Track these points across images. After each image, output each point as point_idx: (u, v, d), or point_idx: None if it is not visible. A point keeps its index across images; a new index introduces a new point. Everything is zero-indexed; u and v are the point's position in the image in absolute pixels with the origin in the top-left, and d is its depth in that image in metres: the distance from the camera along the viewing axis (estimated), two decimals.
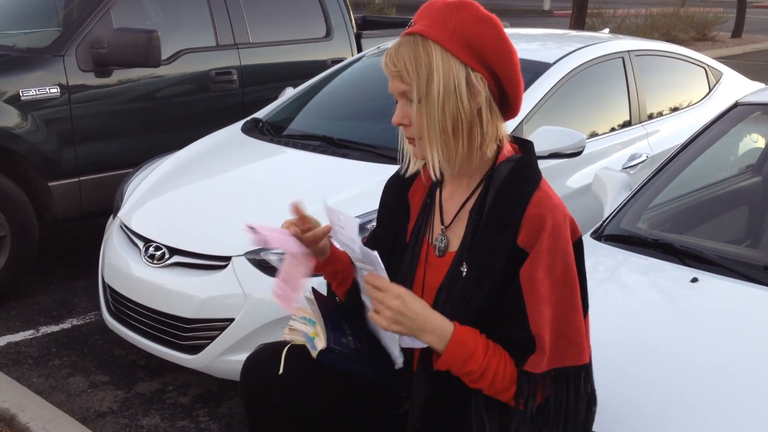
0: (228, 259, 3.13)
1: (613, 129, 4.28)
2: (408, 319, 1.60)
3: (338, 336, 1.84)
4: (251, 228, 1.76)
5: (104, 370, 3.57)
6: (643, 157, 4.18)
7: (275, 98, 4.66)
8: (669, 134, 4.43)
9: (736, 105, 3.19)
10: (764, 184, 3.35)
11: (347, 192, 3.35)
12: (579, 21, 13.52)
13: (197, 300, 3.11)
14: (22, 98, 4.15)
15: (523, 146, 1.78)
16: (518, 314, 1.64)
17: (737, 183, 3.40)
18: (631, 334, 2.22)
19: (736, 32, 17.84)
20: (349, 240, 1.74)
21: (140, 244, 3.38)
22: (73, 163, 4.35)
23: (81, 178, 4.39)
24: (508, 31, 4.52)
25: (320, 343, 1.81)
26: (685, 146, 3.12)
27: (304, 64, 5.40)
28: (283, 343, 1.92)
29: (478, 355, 1.63)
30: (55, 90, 4.26)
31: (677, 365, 2.05)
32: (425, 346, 1.67)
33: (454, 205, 1.80)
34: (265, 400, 1.91)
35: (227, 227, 3.25)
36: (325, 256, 1.92)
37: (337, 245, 1.89)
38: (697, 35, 16.84)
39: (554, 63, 4.08)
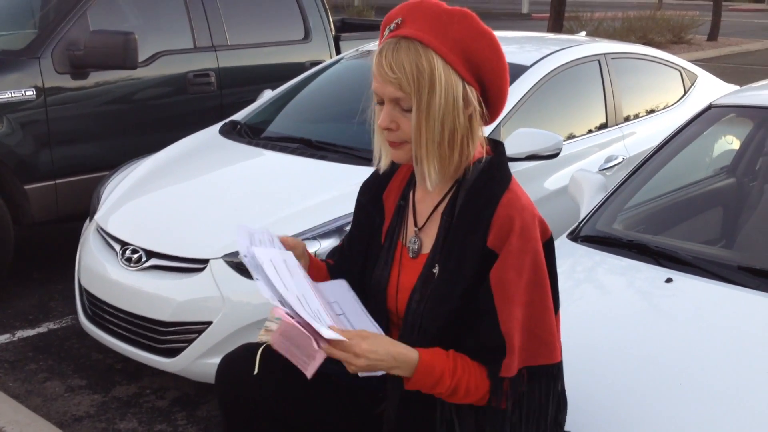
0: (206, 261, 3.11)
1: (589, 131, 4.31)
2: (379, 362, 1.60)
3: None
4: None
5: (81, 374, 3.55)
6: (620, 159, 4.22)
7: (253, 100, 4.65)
8: (645, 136, 4.46)
9: (710, 107, 3.22)
10: (738, 186, 3.38)
11: (325, 194, 3.36)
12: (557, 24, 13.58)
13: (175, 303, 3.10)
14: None
15: (495, 147, 1.79)
16: (489, 316, 1.65)
17: (712, 184, 3.43)
18: (606, 334, 2.23)
19: (712, 35, 18.00)
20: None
21: (117, 247, 3.36)
22: (49, 165, 4.31)
23: (57, 181, 4.35)
24: None
25: None
26: (660, 148, 3.15)
27: (283, 66, 5.39)
28: (259, 344, 1.91)
29: (445, 379, 1.64)
30: (30, 92, 4.23)
31: (651, 365, 2.07)
32: (383, 373, 1.67)
33: (427, 206, 1.81)
34: (241, 400, 1.91)
35: (205, 230, 3.24)
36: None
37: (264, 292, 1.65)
38: (673, 38, 16.99)
39: (531, 65, 4.10)
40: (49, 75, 4.30)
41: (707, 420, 1.88)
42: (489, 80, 1.67)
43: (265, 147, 3.92)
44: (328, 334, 1.55)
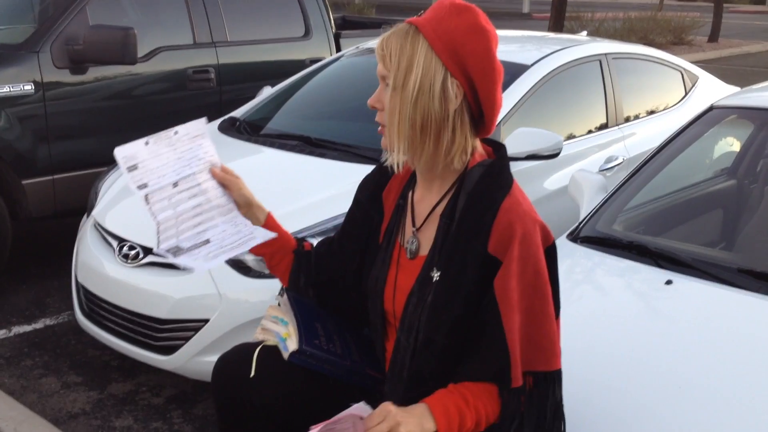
0: None
1: (590, 131, 4.30)
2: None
3: (311, 337, 1.82)
4: None
5: (77, 371, 3.54)
6: (620, 160, 4.20)
7: (253, 97, 4.64)
8: (645, 137, 4.45)
9: (711, 108, 3.21)
10: (739, 188, 3.37)
11: (324, 192, 3.34)
12: (557, 24, 13.58)
13: (171, 300, 3.08)
14: None
15: (497, 150, 1.78)
16: (493, 326, 1.63)
17: (712, 186, 3.42)
18: (605, 336, 2.22)
19: (713, 36, 17.99)
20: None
21: (114, 243, 3.35)
22: (47, 160, 4.30)
23: (55, 176, 4.34)
24: None
25: (292, 344, 1.80)
26: (660, 149, 3.14)
27: (283, 63, 5.38)
28: (256, 344, 1.90)
29: (464, 410, 1.62)
30: (29, 87, 4.21)
31: (650, 368, 2.06)
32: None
33: (425, 207, 1.79)
34: (237, 401, 1.89)
35: None
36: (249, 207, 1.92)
37: None
38: (674, 39, 16.98)
39: (532, 65, 4.08)
40: (48, 69, 4.28)
41: (706, 422, 1.87)
42: (478, 78, 1.65)
43: (264, 144, 3.90)
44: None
